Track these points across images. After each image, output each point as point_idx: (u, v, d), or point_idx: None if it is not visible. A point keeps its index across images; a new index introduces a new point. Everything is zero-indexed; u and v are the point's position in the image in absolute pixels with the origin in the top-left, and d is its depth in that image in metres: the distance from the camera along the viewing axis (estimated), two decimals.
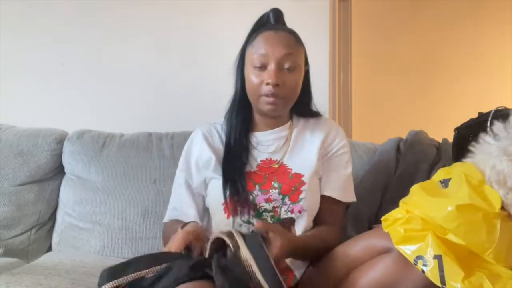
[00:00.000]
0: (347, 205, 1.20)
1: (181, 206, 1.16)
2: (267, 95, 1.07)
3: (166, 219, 1.19)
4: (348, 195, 1.16)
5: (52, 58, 1.84)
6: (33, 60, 1.83)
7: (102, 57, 1.85)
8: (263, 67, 1.07)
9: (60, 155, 1.53)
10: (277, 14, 1.17)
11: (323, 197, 1.14)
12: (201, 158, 1.16)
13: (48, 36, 1.84)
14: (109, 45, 1.86)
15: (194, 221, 1.07)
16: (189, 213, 1.14)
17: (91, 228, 1.45)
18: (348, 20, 2.24)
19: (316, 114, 1.22)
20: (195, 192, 1.17)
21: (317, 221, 1.13)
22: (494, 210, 0.79)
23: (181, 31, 1.87)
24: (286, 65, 1.06)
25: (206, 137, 1.19)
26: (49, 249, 1.51)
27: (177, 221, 1.12)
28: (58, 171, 1.55)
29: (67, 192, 1.51)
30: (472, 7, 2.95)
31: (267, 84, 1.05)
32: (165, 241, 1.09)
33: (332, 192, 1.13)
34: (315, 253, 1.05)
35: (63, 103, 1.83)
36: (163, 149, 1.53)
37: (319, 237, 1.06)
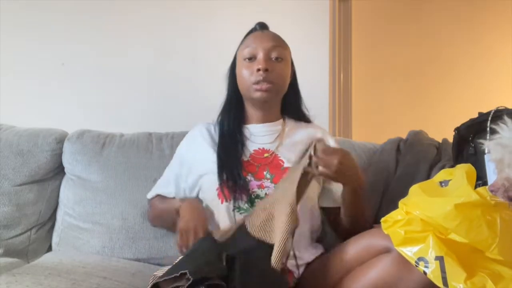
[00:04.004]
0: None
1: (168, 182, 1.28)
2: (258, 82, 1.14)
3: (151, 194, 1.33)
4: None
5: (52, 58, 1.84)
6: (33, 60, 1.83)
7: (102, 57, 1.85)
8: (253, 58, 1.17)
9: (60, 155, 1.53)
10: (262, 25, 1.27)
11: (324, 210, 1.20)
12: (199, 153, 1.22)
13: (48, 36, 1.84)
14: (109, 45, 1.86)
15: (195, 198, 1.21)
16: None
17: (91, 228, 1.45)
18: (348, 20, 2.24)
19: (306, 118, 1.28)
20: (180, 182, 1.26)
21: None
22: (490, 203, 0.79)
23: (181, 31, 1.87)
24: (274, 55, 1.17)
25: (204, 132, 1.25)
26: (49, 249, 1.51)
27: (162, 198, 1.29)
28: (58, 171, 1.55)
29: (67, 192, 1.51)
30: (472, 9, 2.95)
31: (258, 70, 1.14)
32: (155, 214, 1.31)
33: (334, 203, 1.19)
34: (359, 208, 1.13)
35: (63, 103, 1.83)
36: (163, 149, 1.53)
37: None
